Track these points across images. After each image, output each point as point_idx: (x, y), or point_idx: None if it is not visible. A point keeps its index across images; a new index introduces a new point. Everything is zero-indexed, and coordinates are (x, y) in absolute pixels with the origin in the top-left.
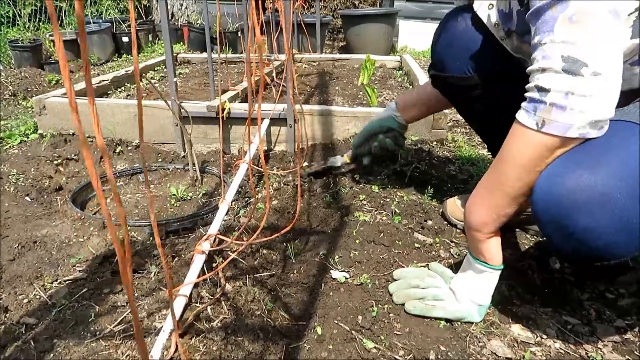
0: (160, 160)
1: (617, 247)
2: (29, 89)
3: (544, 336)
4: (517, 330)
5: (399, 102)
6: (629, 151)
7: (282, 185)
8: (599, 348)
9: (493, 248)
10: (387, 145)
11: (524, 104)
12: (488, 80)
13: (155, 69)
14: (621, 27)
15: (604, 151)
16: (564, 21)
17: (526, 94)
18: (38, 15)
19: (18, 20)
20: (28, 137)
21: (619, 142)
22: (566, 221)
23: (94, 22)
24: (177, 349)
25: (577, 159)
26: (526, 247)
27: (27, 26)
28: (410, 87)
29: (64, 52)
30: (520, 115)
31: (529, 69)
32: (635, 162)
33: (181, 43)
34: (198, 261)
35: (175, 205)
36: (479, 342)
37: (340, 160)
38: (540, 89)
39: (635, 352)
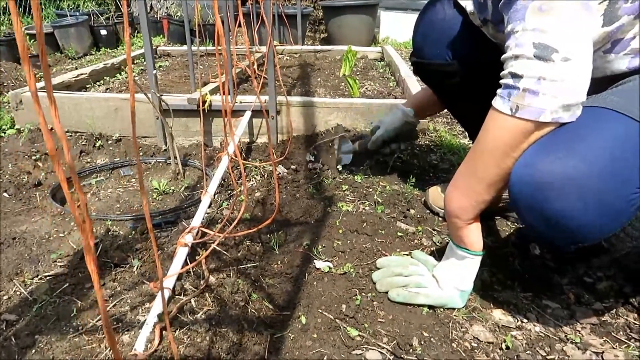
0: (141, 154)
1: (591, 229)
2: (5, 84)
3: (525, 320)
4: (499, 315)
5: (414, 106)
6: (601, 135)
7: (265, 177)
8: (578, 330)
9: (473, 234)
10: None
11: (499, 91)
12: (468, 66)
13: (135, 62)
14: (591, 14)
15: (577, 136)
16: (534, 10)
17: (501, 81)
18: None
19: None
20: (5, 133)
21: (591, 127)
22: (541, 205)
23: (70, 15)
24: (161, 341)
25: (551, 145)
26: (507, 234)
27: (2, 19)
28: (392, 77)
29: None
30: (496, 101)
31: (503, 56)
32: (606, 146)
33: (161, 36)
34: (181, 254)
35: (157, 199)
36: (461, 327)
37: (350, 148)
38: (514, 75)
39: (613, 334)
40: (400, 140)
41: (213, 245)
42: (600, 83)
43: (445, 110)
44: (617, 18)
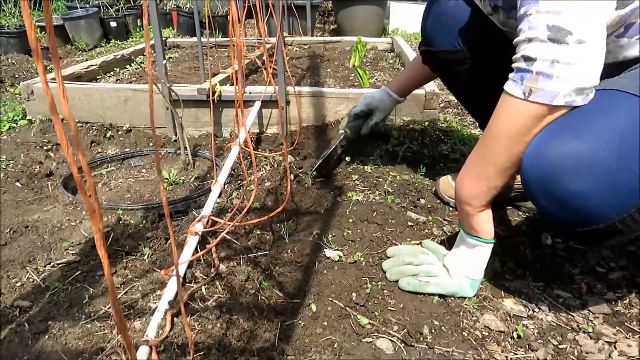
0: (151, 144)
1: (604, 210)
2: (17, 76)
3: (536, 310)
4: (510, 304)
5: (401, 93)
6: (613, 116)
7: (275, 167)
8: (590, 320)
9: (484, 221)
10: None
11: (511, 75)
12: (477, 53)
13: (144, 53)
14: None
15: (589, 117)
16: None
17: (513, 65)
18: None
19: (4, 6)
20: (17, 123)
21: (603, 108)
22: (554, 186)
23: (80, 7)
24: (172, 327)
25: (563, 126)
26: (518, 223)
27: (12, 12)
28: (402, 68)
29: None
30: (508, 85)
31: (515, 40)
32: (619, 126)
33: (170, 27)
34: (191, 242)
35: (167, 189)
36: (472, 316)
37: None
38: (527, 59)
39: (626, 324)
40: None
41: (222, 234)
42: (613, 68)
43: (456, 101)
44: (631, 1)
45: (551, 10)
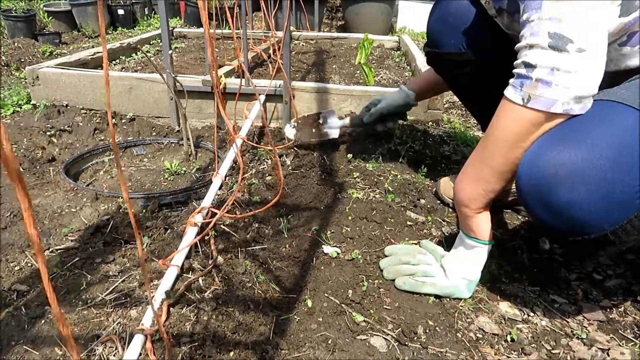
0: (154, 134)
1: (597, 220)
2: (22, 60)
3: (531, 314)
4: (505, 307)
5: (415, 90)
6: (610, 127)
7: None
8: (584, 326)
9: (482, 223)
10: (394, 128)
11: (511, 80)
12: (481, 56)
13: (151, 42)
14: (608, 5)
15: (586, 128)
16: None
17: (514, 70)
18: None
19: None
20: (21, 108)
21: (600, 119)
22: (548, 195)
23: None
24: (167, 317)
25: (560, 135)
26: (516, 227)
27: None
28: (408, 67)
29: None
30: (508, 91)
31: (517, 46)
32: (616, 138)
33: (177, 17)
34: (190, 233)
35: (168, 179)
36: (467, 318)
37: (339, 123)
38: (527, 65)
39: (620, 331)
40: (395, 119)
41: (213, 221)
42: (614, 77)
43: (459, 102)
44: (634, 8)
45: (553, 18)
